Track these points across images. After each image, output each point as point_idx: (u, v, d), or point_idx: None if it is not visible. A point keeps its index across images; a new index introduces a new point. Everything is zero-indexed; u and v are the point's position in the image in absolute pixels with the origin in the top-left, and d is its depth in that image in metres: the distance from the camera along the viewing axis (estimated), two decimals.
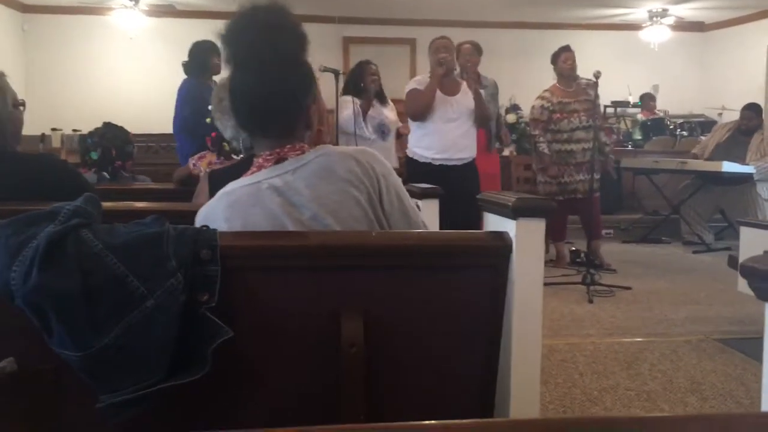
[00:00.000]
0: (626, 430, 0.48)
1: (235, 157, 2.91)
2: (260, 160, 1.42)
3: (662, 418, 0.49)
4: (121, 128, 3.24)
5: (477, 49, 5.13)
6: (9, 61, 8.32)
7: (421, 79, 4.55)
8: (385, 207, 1.40)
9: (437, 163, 4.37)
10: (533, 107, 5.51)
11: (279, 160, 1.39)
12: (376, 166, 1.41)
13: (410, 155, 4.55)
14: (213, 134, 3.02)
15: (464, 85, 4.49)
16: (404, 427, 0.49)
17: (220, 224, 1.33)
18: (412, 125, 4.57)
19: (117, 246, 1.07)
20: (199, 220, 1.38)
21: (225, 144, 2.94)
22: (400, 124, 4.99)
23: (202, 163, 3.11)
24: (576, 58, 5.38)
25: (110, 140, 3.12)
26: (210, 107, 3.54)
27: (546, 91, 5.47)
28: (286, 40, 1.41)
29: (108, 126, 3.22)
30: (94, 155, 3.10)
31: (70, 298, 1.04)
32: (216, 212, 1.37)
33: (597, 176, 5.33)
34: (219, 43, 1.44)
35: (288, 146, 1.41)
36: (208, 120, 3.05)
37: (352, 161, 1.39)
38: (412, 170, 4.35)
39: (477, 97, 4.43)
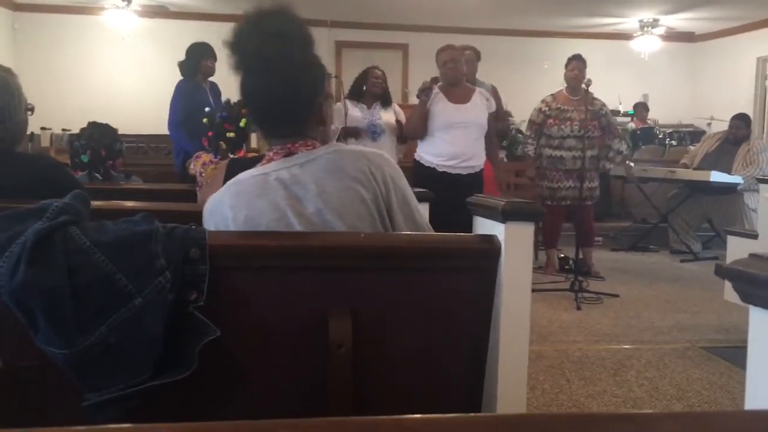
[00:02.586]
0: (617, 427, 0.48)
1: (232, 156, 2.91)
2: (271, 153, 1.44)
3: (650, 415, 0.50)
4: (107, 126, 3.20)
5: (477, 56, 5.16)
6: None
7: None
8: (391, 209, 1.42)
9: (441, 169, 4.37)
10: (534, 109, 5.55)
11: (289, 154, 1.41)
12: (386, 168, 1.43)
13: (417, 158, 4.55)
14: (209, 134, 3.02)
15: (476, 93, 4.48)
16: (391, 421, 0.49)
17: (225, 212, 1.36)
18: None
19: (105, 243, 1.07)
20: (207, 208, 1.42)
21: (222, 143, 2.95)
22: (394, 125, 5.00)
23: (197, 164, 3.11)
24: (581, 68, 5.38)
25: (98, 140, 3.09)
26: (207, 109, 3.56)
27: (551, 95, 5.51)
28: (292, 43, 1.43)
29: (94, 126, 3.19)
30: (85, 158, 3.07)
31: (57, 295, 1.03)
32: (223, 201, 1.39)
33: (592, 185, 5.34)
34: (226, 50, 1.44)
35: (300, 141, 1.43)
36: (204, 120, 3.05)
37: (363, 160, 1.41)
38: (416, 174, 4.35)
39: (499, 106, 4.45)
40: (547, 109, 5.40)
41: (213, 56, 4.79)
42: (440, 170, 4.35)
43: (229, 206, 1.37)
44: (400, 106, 5.21)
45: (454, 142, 4.35)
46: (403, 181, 1.47)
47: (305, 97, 1.44)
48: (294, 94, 1.42)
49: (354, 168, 1.39)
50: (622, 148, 5.75)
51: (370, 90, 4.85)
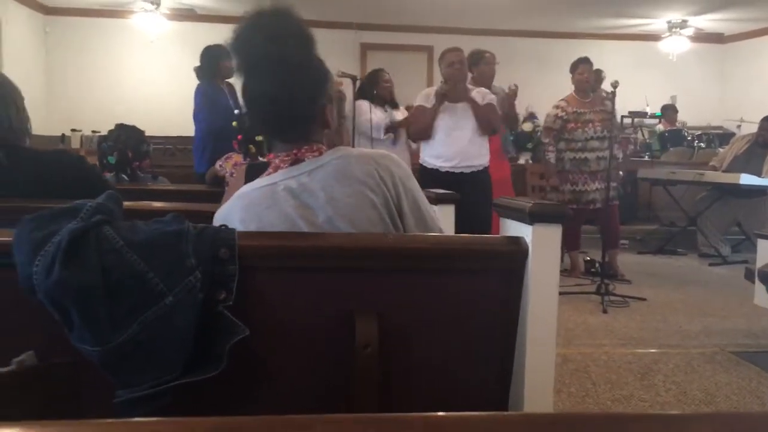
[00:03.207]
0: (647, 427, 0.48)
1: (261, 159, 2.94)
2: (277, 161, 1.42)
3: (682, 416, 0.50)
4: (134, 128, 3.26)
5: (494, 59, 5.17)
6: (31, 62, 8.43)
7: (429, 92, 4.57)
8: (402, 212, 1.40)
9: (444, 170, 4.39)
10: (548, 115, 5.51)
11: (295, 161, 1.40)
12: (395, 170, 1.41)
13: (421, 162, 4.58)
14: (239, 137, 3.05)
15: (473, 93, 4.48)
16: (421, 418, 0.50)
17: (236, 226, 1.34)
18: None
19: (137, 243, 1.09)
20: (217, 221, 1.39)
21: (251, 147, 2.98)
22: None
23: (227, 164, 3.15)
24: (589, 70, 5.36)
25: (125, 142, 3.15)
26: (236, 111, 3.60)
27: (562, 100, 5.47)
28: (293, 45, 1.42)
29: (121, 128, 3.24)
30: (112, 159, 3.13)
31: (91, 294, 1.05)
32: (232, 214, 1.38)
33: (614, 184, 5.32)
34: (230, 51, 1.45)
35: (305, 147, 1.41)
36: (234, 123, 3.09)
37: (371, 164, 1.39)
38: (422, 177, 4.37)
39: (474, 106, 4.42)
40: (564, 114, 5.37)
41: (230, 57, 4.78)
42: (443, 171, 4.38)
43: (239, 219, 1.36)
44: None
45: (453, 143, 4.38)
46: (413, 182, 1.45)
47: (306, 99, 1.41)
48: (294, 96, 1.39)
49: (362, 172, 1.37)
50: (620, 155, 5.71)
51: (380, 93, 4.96)
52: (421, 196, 1.46)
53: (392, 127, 5.07)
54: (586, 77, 5.32)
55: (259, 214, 1.35)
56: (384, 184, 1.38)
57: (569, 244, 5.60)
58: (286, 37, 1.41)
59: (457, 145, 4.38)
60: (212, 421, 0.51)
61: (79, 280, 1.04)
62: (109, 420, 0.56)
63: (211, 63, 4.75)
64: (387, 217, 1.37)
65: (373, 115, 4.93)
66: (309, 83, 1.41)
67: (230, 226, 1.32)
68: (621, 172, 6.24)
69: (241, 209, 1.37)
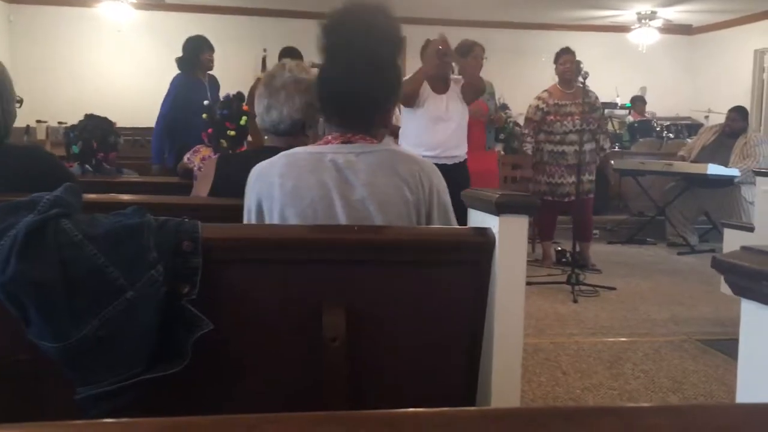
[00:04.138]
0: (600, 420, 0.48)
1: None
2: (329, 137, 1.47)
3: (638, 408, 0.50)
4: (104, 119, 3.21)
5: (483, 52, 5.16)
6: None
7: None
8: (431, 218, 1.45)
9: None
10: (529, 106, 5.53)
11: (347, 142, 1.45)
12: (435, 180, 1.48)
13: None
14: (210, 130, 3.00)
15: (453, 83, 4.48)
16: (378, 415, 0.49)
17: (273, 179, 1.40)
18: (402, 121, 4.57)
19: (97, 236, 1.07)
20: (256, 171, 1.45)
21: (222, 141, 2.93)
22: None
23: (195, 158, 3.10)
24: (572, 60, 5.36)
25: (91, 132, 3.10)
26: (206, 102, 3.55)
27: (545, 91, 5.49)
28: (383, 43, 1.46)
29: (90, 118, 3.19)
30: (76, 149, 3.07)
31: (49, 288, 1.03)
32: (273, 168, 1.43)
33: (591, 177, 5.35)
34: (319, 30, 1.46)
35: (359, 135, 1.46)
36: (204, 116, 3.04)
37: (416, 166, 1.46)
38: None
39: (464, 71, 4.39)
40: (544, 105, 5.39)
41: (210, 49, 4.77)
42: None
43: (278, 174, 1.41)
44: None
45: (436, 133, 4.36)
46: (447, 197, 1.51)
47: (382, 98, 1.48)
48: (370, 92, 1.45)
49: (406, 170, 1.43)
50: (606, 145, 5.75)
51: None
52: (451, 211, 1.51)
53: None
54: (569, 67, 5.32)
55: (299, 174, 1.40)
56: (422, 187, 1.44)
57: (543, 234, 5.63)
58: (379, 34, 1.46)
59: (441, 135, 4.36)
60: (158, 421, 0.49)
61: (36, 274, 1.02)
62: (68, 422, 0.54)
63: (191, 55, 4.75)
64: (414, 217, 1.43)
65: None
66: (389, 84, 1.48)
67: (267, 180, 1.40)
68: (612, 161, 6.30)
69: (284, 165, 1.42)
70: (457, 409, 0.46)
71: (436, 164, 4.39)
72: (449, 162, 4.38)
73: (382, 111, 1.50)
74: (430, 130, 4.37)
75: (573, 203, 5.33)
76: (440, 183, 1.50)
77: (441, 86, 4.43)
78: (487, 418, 0.46)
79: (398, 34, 1.50)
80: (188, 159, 3.15)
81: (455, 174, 4.31)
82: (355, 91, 1.44)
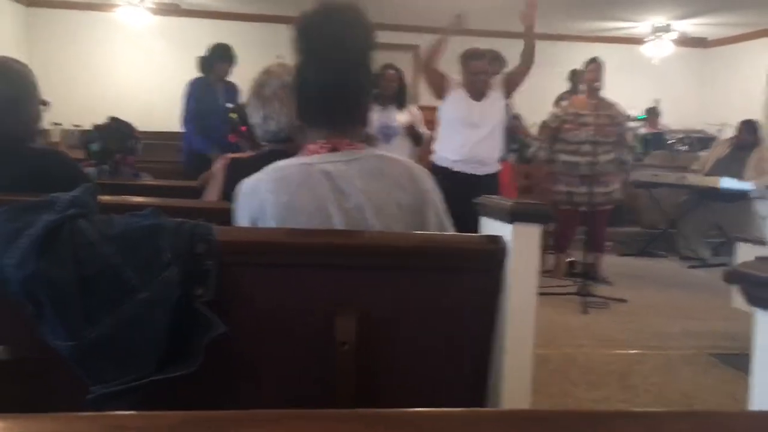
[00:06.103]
0: (623, 425, 0.48)
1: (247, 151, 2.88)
2: (315, 146, 1.45)
3: (657, 413, 0.49)
4: (125, 123, 3.27)
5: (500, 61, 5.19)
6: (12, 55, 8.31)
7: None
8: (425, 224, 1.44)
9: (455, 169, 4.36)
10: (550, 113, 5.55)
11: (333, 150, 1.43)
12: (427, 183, 1.47)
13: (432, 160, 4.55)
14: (242, 128, 2.96)
15: (493, 90, 4.48)
16: (395, 414, 0.49)
17: (264, 196, 1.37)
18: (439, 125, 4.58)
19: (113, 237, 1.08)
20: (244, 191, 1.42)
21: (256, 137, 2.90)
22: (406, 125, 4.96)
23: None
24: (597, 69, 5.34)
25: (111, 134, 3.15)
26: (229, 105, 3.57)
27: (566, 99, 5.51)
28: (361, 40, 1.46)
29: (113, 120, 3.26)
30: (95, 147, 3.12)
31: (65, 287, 1.04)
32: (261, 184, 1.40)
33: (608, 189, 5.30)
34: (294, 32, 1.46)
35: (346, 140, 1.44)
36: (232, 115, 3.03)
37: (404, 168, 1.46)
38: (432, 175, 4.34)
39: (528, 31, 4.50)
40: (562, 113, 5.40)
41: (228, 60, 4.88)
42: (454, 170, 4.35)
43: (269, 190, 1.38)
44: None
45: (469, 140, 4.35)
46: (438, 196, 1.50)
47: (359, 92, 1.47)
48: (351, 87, 1.45)
49: (395, 173, 1.43)
50: (629, 159, 5.72)
51: (382, 91, 4.83)
52: (443, 209, 1.51)
53: (411, 130, 4.94)
54: (592, 76, 5.31)
55: (290, 188, 1.38)
56: (413, 189, 1.43)
57: (558, 245, 5.59)
58: (357, 31, 1.46)
59: (469, 139, 4.35)
60: (179, 415, 0.50)
61: (53, 273, 1.03)
62: (74, 414, 0.55)
63: (208, 60, 4.89)
64: (410, 222, 1.42)
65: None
66: (364, 78, 1.48)
67: (258, 197, 1.37)
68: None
69: (273, 180, 1.40)
70: (481, 409, 0.46)
71: (464, 174, 4.32)
72: (478, 172, 4.36)
73: (360, 108, 1.49)
74: (459, 133, 4.37)
75: (589, 214, 5.30)
76: (431, 184, 1.49)
77: (479, 94, 4.43)
78: (512, 419, 0.46)
79: (373, 32, 1.50)
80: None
81: (485, 187, 4.25)
82: (339, 86, 1.43)
